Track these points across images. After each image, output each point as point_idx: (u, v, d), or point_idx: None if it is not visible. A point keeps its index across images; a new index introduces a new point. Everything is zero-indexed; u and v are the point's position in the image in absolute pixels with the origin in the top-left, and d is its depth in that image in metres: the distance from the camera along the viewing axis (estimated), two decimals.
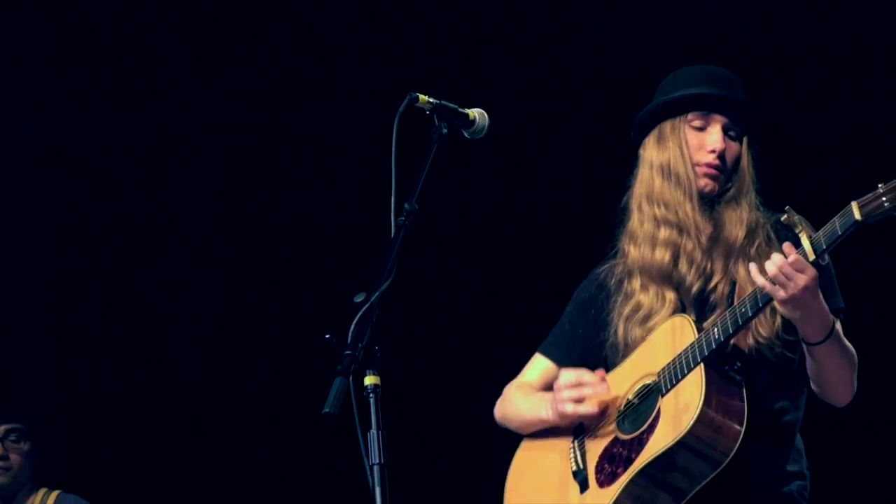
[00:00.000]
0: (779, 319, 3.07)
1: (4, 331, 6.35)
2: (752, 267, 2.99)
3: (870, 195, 2.83)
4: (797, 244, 2.92)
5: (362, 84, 6.26)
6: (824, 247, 2.90)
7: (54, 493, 5.16)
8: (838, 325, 3.08)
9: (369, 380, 2.67)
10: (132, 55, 6.56)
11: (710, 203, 3.23)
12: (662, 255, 3.19)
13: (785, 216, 2.96)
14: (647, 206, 3.25)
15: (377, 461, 2.65)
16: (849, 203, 2.84)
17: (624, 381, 3.25)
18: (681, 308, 3.22)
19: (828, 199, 2.98)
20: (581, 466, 3.26)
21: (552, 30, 6.23)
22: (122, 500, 5.85)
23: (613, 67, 6.36)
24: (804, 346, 3.04)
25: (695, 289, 3.20)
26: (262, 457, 6.57)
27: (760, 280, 2.94)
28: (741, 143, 3.26)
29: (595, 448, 3.23)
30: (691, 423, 3.00)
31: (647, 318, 3.21)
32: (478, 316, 5.44)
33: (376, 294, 2.70)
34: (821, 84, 5.80)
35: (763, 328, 3.10)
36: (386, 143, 2.88)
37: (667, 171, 3.23)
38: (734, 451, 3.02)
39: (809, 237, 2.92)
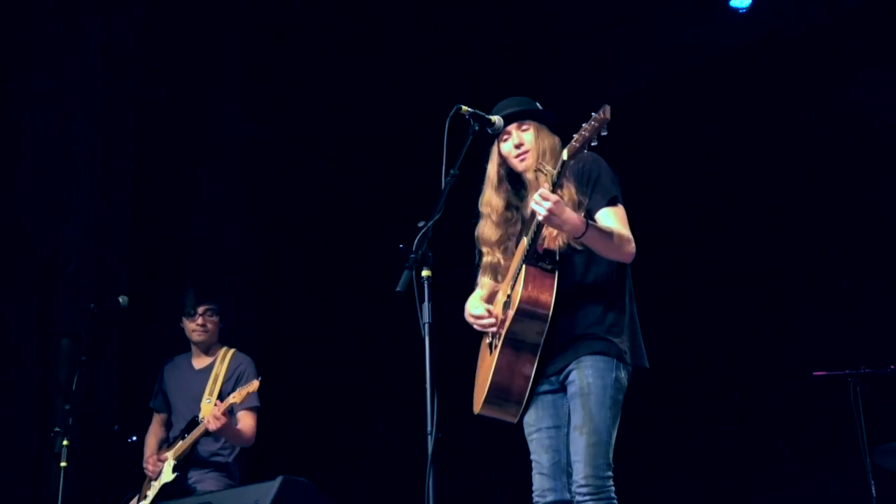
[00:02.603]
0: None
1: (207, 241, 8.85)
2: (532, 202, 4.38)
3: (570, 143, 4.27)
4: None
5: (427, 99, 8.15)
6: (556, 181, 4.34)
7: (231, 350, 6.90)
8: (593, 223, 4.43)
9: (425, 273, 4.17)
10: None
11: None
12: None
13: (537, 168, 4.55)
14: None
15: (427, 321, 4.13)
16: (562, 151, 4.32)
17: (507, 283, 4.74)
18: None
19: None
20: (491, 339, 4.77)
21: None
22: (274, 360, 7.60)
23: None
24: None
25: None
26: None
27: (532, 209, 4.37)
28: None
29: (499, 323, 4.71)
30: (518, 300, 4.48)
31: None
32: None
33: (430, 222, 4.23)
34: None
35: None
36: (440, 135, 4.46)
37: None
38: (550, 311, 4.48)
39: (549, 176, 4.38)
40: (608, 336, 4.59)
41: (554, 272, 4.57)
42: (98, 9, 8.51)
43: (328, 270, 9.97)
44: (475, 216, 4.96)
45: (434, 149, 4.55)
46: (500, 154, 4.88)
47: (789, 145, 8.78)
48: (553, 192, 4.36)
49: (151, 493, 6.53)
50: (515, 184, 4.91)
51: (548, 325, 4.53)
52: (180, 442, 6.53)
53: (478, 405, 4.76)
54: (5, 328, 7.77)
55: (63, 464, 6.33)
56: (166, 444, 6.76)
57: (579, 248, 4.57)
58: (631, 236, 4.58)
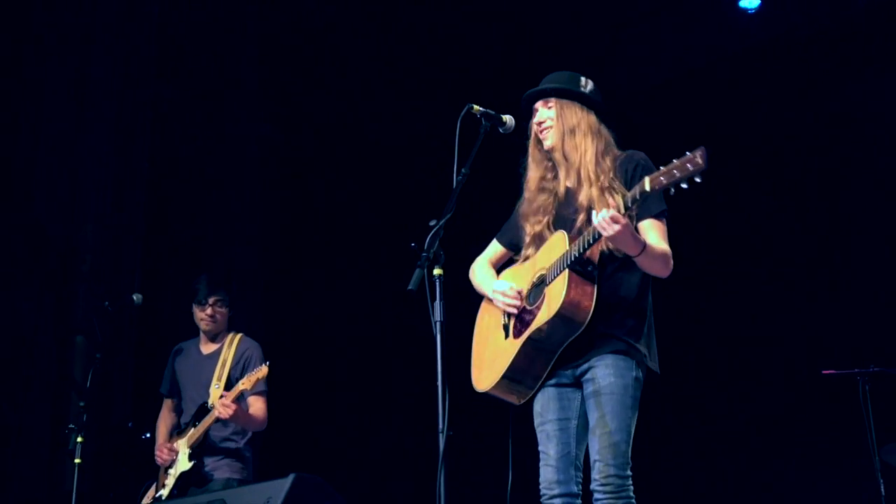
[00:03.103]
0: None
1: (220, 240, 8.95)
2: (593, 213, 4.35)
3: (655, 174, 4.20)
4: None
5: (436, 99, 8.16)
6: (629, 206, 4.29)
7: (239, 335, 6.92)
8: (650, 245, 4.39)
9: (437, 271, 4.15)
10: None
11: None
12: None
13: (609, 186, 4.51)
14: None
15: (439, 319, 4.11)
16: (643, 178, 4.23)
17: (531, 269, 4.72)
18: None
19: None
20: (507, 321, 4.74)
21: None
22: (286, 357, 7.54)
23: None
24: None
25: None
26: None
27: (595, 223, 4.31)
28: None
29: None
30: (560, 304, 4.42)
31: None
32: None
33: (442, 221, 4.22)
34: None
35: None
36: (452, 134, 4.47)
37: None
38: (588, 319, 4.43)
39: (623, 197, 4.31)
40: (629, 338, 4.58)
41: (594, 280, 4.54)
42: (114, 9, 8.56)
43: (340, 269, 10.03)
44: (520, 197, 4.95)
45: (447, 148, 4.56)
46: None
47: (798, 145, 8.81)
48: (623, 215, 4.31)
49: (170, 482, 6.56)
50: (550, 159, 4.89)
51: (581, 331, 4.50)
52: (192, 429, 6.58)
53: (482, 384, 4.77)
54: (22, 325, 7.82)
55: (77, 460, 6.36)
56: (177, 430, 6.81)
57: (618, 253, 4.56)
58: (671, 253, 4.58)
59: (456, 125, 4.53)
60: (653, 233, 4.56)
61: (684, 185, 4.18)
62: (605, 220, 4.28)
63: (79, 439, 6.37)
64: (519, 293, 4.73)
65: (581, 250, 4.47)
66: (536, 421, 4.74)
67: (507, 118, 4.68)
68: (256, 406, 6.64)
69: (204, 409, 6.56)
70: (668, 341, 4.98)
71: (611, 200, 4.38)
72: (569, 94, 4.83)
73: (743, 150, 9.05)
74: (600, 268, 4.58)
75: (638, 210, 4.54)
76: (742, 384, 8.81)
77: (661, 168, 4.22)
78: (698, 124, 9.17)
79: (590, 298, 4.48)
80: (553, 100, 4.83)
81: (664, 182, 4.19)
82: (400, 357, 9.49)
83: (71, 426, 6.50)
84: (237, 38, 9.71)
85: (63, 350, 7.89)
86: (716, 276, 9.07)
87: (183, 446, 6.60)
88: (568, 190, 4.76)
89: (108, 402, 7.95)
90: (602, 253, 4.57)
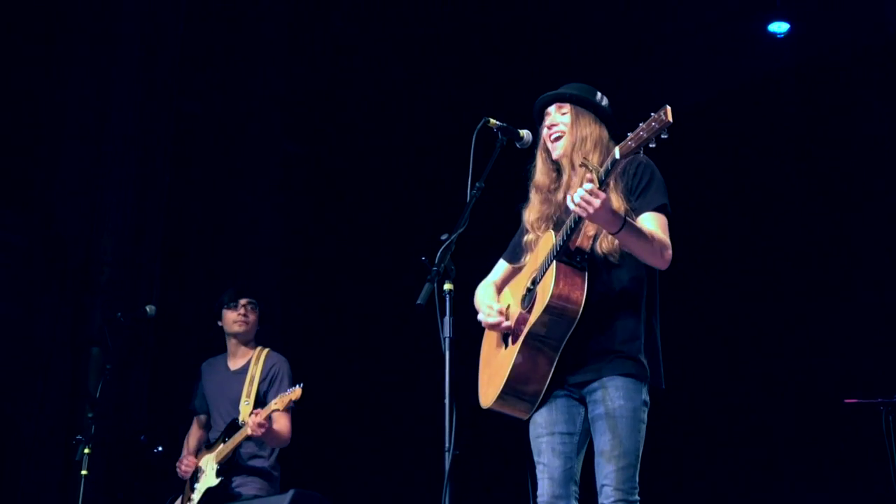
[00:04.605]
0: None
1: (240, 254, 9.01)
2: (568, 197, 4.23)
3: (623, 141, 4.10)
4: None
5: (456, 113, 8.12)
6: (604, 179, 4.16)
7: (266, 350, 6.89)
8: (631, 221, 4.24)
9: (447, 286, 4.07)
10: None
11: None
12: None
13: (580, 163, 4.37)
14: None
15: (448, 335, 4.03)
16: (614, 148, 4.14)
17: (527, 275, 4.62)
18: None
19: None
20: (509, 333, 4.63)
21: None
22: (305, 358, 7.56)
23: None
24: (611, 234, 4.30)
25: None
26: None
27: (572, 206, 4.19)
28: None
29: (513, 319, 4.60)
30: (548, 297, 4.30)
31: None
32: None
33: (454, 235, 4.15)
34: None
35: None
36: (468, 148, 4.42)
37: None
38: (581, 310, 4.31)
39: (596, 173, 4.17)
40: (638, 356, 4.47)
41: (584, 270, 4.42)
42: (137, 21, 8.57)
43: (362, 283, 10.01)
44: (526, 198, 4.85)
45: (464, 162, 4.46)
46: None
47: (825, 169, 8.76)
48: (600, 189, 4.18)
49: (196, 496, 6.53)
50: (556, 168, 4.79)
51: (575, 325, 4.37)
52: (221, 445, 6.53)
53: (487, 399, 4.65)
54: (39, 336, 7.81)
55: (84, 472, 6.31)
56: (206, 445, 6.77)
57: (613, 257, 4.48)
58: (669, 244, 4.43)
59: (472, 139, 4.44)
60: (651, 224, 4.44)
61: (652, 145, 4.05)
62: (583, 196, 4.14)
63: (86, 451, 6.33)
64: (500, 311, 4.65)
65: (565, 237, 4.38)
66: (537, 431, 4.62)
67: (525, 133, 4.61)
68: (281, 422, 6.60)
69: (234, 426, 6.52)
70: (689, 369, 4.92)
71: (587, 176, 4.22)
72: (585, 102, 4.75)
73: (772, 173, 9.00)
74: (593, 266, 4.46)
75: (635, 205, 4.46)
76: (764, 412, 8.73)
77: (629, 134, 4.12)
78: (728, 147, 9.14)
79: (580, 289, 4.37)
80: (568, 106, 4.76)
81: (633, 146, 4.09)
82: (409, 373, 9.44)
83: (79, 437, 6.45)
84: (259, 54, 9.72)
85: (79, 361, 7.85)
86: (739, 303, 9.01)
87: (211, 461, 6.57)
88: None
89: (123, 414, 7.91)
90: (596, 256, 4.48)
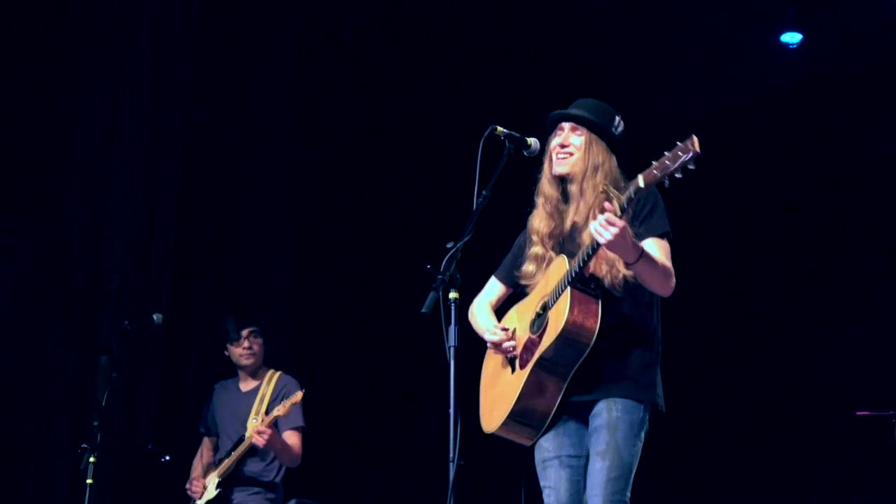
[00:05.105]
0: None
1: (250, 262, 9.00)
2: (591, 224, 4.14)
3: (648, 170, 3.99)
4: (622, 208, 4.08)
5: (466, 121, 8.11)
6: (625, 207, 4.06)
7: (277, 373, 6.89)
8: (647, 252, 4.18)
9: (452, 295, 4.04)
10: None
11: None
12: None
13: (602, 189, 4.26)
14: None
15: (453, 344, 3.99)
16: (636, 176, 4.03)
17: (535, 298, 4.54)
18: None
19: None
20: (510, 356, 4.57)
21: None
22: (318, 382, 7.47)
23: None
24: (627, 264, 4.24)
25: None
26: None
27: (592, 232, 4.10)
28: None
29: (520, 343, 4.54)
30: (563, 324, 4.24)
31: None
32: None
33: (459, 243, 4.11)
34: None
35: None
36: (475, 156, 4.38)
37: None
38: (594, 338, 4.25)
39: (618, 201, 4.06)
40: (642, 379, 4.44)
41: (598, 298, 4.36)
42: (149, 29, 8.55)
43: (366, 289, 9.98)
44: (530, 204, 4.76)
45: (471, 170, 4.43)
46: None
47: (840, 179, 8.72)
48: (620, 217, 4.09)
49: None
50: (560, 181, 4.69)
51: (587, 352, 4.32)
52: (226, 460, 6.52)
53: (491, 424, 4.59)
54: (47, 344, 7.79)
55: (89, 480, 6.27)
56: (214, 466, 6.74)
57: (619, 289, 4.41)
58: (673, 271, 4.37)
59: (479, 146, 4.39)
60: (654, 250, 4.37)
61: (678, 175, 3.96)
62: (602, 223, 4.07)
63: (91, 459, 6.28)
64: (505, 330, 4.60)
65: (581, 264, 4.31)
66: (543, 455, 4.57)
67: (532, 141, 4.55)
68: (292, 440, 6.60)
69: (240, 442, 6.51)
70: (699, 382, 4.87)
71: (607, 205, 4.12)
72: (602, 131, 4.64)
73: (784, 184, 8.97)
74: (608, 298, 4.39)
75: (638, 231, 4.36)
76: (776, 425, 8.70)
77: (654, 163, 4.01)
78: (740, 158, 9.09)
79: (594, 317, 4.31)
80: (584, 130, 4.65)
81: (658, 175, 3.98)
82: (417, 382, 9.40)
83: (84, 445, 6.41)
84: (269, 60, 9.71)
85: (87, 370, 7.83)
86: (751, 316, 8.98)
87: (213, 477, 6.58)
88: (574, 225, 4.59)
89: (130, 422, 7.88)
90: (610, 283, 4.40)
